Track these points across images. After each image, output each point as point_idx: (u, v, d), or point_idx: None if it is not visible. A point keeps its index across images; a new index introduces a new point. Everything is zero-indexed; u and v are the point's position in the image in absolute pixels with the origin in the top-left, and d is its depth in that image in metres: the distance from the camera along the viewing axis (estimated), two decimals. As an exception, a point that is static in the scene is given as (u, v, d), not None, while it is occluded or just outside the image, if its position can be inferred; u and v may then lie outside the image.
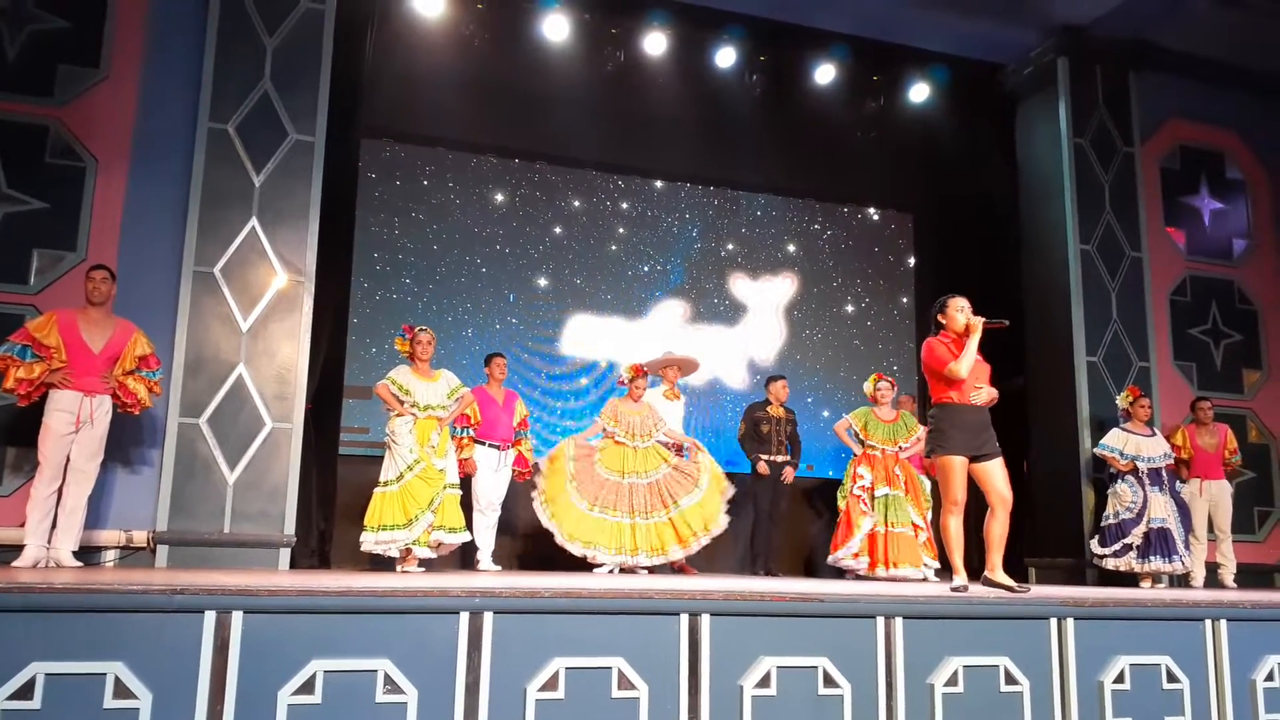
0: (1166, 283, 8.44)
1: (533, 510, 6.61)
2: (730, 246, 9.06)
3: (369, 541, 5.76)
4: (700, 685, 3.18)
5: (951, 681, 3.45)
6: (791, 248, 9.24)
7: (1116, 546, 7.08)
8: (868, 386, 7.33)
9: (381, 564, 6.21)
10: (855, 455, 7.09)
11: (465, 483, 6.37)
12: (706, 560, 7.62)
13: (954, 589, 4.39)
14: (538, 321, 8.37)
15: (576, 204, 8.65)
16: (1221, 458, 7.54)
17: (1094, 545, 7.28)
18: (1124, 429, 7.31)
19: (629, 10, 7.89)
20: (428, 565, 6.06)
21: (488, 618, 3.01)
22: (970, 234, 9.02)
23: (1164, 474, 7.15)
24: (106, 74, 6.21)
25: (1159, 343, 8.19)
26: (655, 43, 7.94)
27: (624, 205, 8.82)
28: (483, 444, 6.61)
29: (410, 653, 2.93)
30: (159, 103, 6.25)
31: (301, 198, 6.25)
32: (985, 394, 4.76)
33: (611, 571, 6.41)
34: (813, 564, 8.48)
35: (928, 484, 7.58)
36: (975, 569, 4.99)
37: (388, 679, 2.88)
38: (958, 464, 4.65)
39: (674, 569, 6.98)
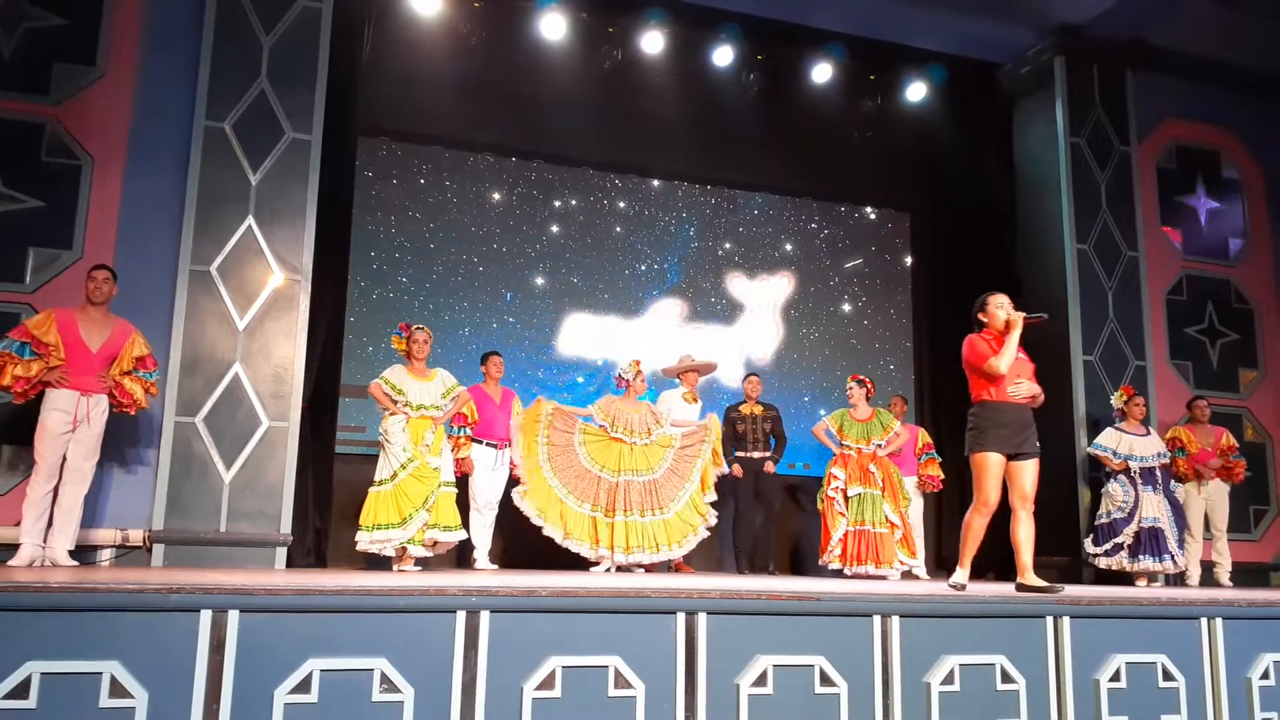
0: (1163, 282, 8.46)
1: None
2: (727, 245, 9.07)
3: (364, 541, 5.75)
4: (697, 684, 3.18)
5: (948, 680, 3.45)
6: (788, 247, 9.25)
7: (1108, 546, 7.11)
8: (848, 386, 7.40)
9: (378, 563, 6.21)
10: (834, 455, 7.13)
11: (462, 481, 6.36)
12: (705, 560, 7.63)
13: (952, 585, 4.39)
14: (535, 320, 8.37)
15: (573, 203, 8.65)
16: (1217, 455, 7.55)
17: (1088, 544, 7.30)
18: (1118, 428, 7.33)
19: (626, 9, 7.90)
20: (424, 564, 6.06)
21: (484, 617, 3.01)
22: (967, 233, 9.02)
23: (1157, 473, 7.17)
24: (103, 72, 6.21)
25: (1155, 342, 8.21)
26: (652, 41, 7.94)
27: (621, 204, 8.82)
28: (480, 443, 6.61)
29: (407, 652, 2.93)
30: (155, 101, 6.25)
31: (298, 196, 6.25)
32: (1025, 388, 4.66)
33: (608, 570, 6.41)
34: (800, 561, 8.49)
35: (909, 482, 7.59)
36: (976, 568, 4.98)
37: (384, 678, 2.88)
38: (993, 461, 4.57)
39: (671, 568, 6.99)
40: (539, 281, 8.43)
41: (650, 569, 6.54)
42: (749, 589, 3.44)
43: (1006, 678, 3.55)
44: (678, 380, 7.56)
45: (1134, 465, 7.15)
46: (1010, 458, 4.61)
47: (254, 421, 5.95)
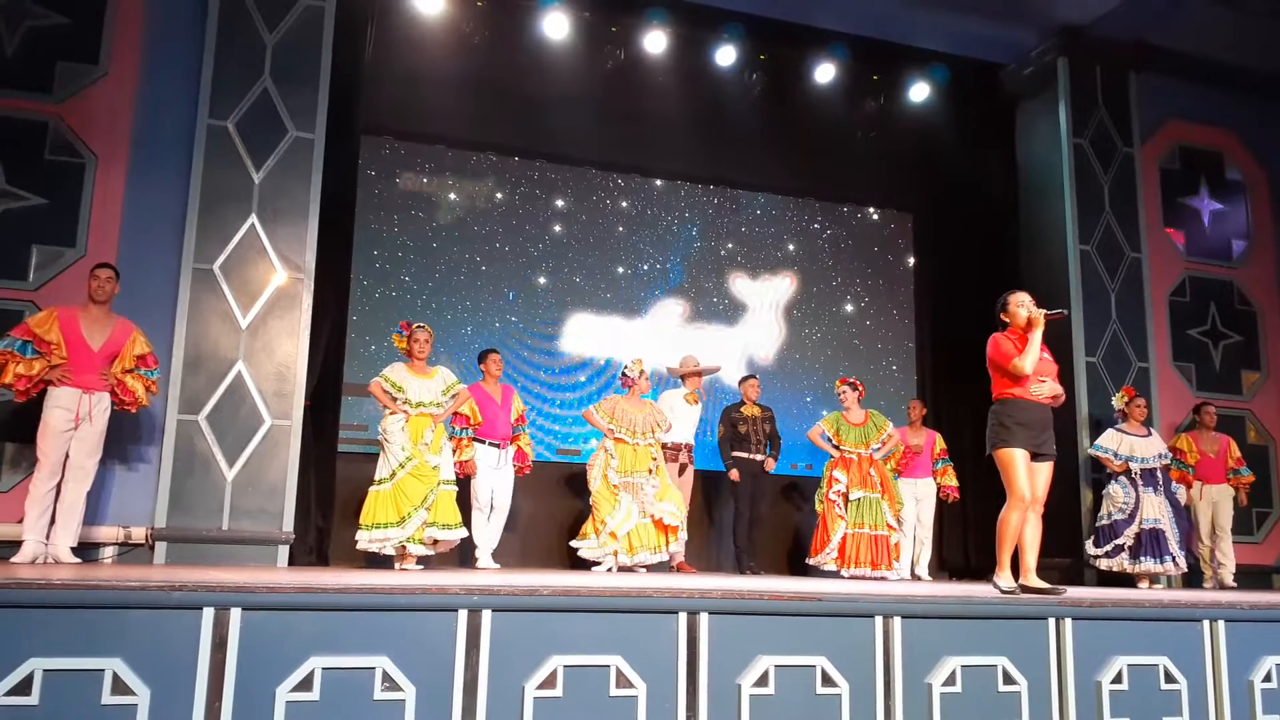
0: (1166, 283, 8.45)
1: (531, 507, 6.61)
2: (730, 245, 9.06)
3: (363, 540, 5.76)
4: (698, 684, 3.18)
5: (949, 681, 3.45)
6: (791, 247, 9.24)
7: (1109, 547, 7.11)
8: (837, 389, 7.45)
9: (380, 562, 6.22)
10: (832, 458, 7.13)
11: (464, 480, 6.36)
12: (704, 560, 7.63)
13: (1003, 589, 4.37)
14: (537, 320, 8.37)
15: (576, 202, 8.65)
16: (1224, 464, 7.56)
17: (1089, 546, 7.30)
18: (1119, 430, 7.33)
19: (629, 8, 7.89)
20: (426, 563, 6.06)
21: (486, 615, 3.01)
22: (970, 234, 9.02)
23: (1158, 474, 7.16)
24: (106, 71, 6.21)
25: (1158, 343, 8.20)
26: (655, 41, 7.94)
27: (623, 204, 8.82)
28: (482, 443, 6.60)
29: (408, 650, 2.93)
30: (158, 99, 6.25)
31: (301, 195, 6.25)
32: (1048, 388, 4.69)
33: (610, 570, 6.41)
34: (797, 561, 8.49)
35: (927, 486, 7.62)
36: (978, 569, 4.98)
37: (386, 676, 2.88)
38: (1019, 457, 4.59)
39: (673, 568, 6.99)
40: (541, 281, 8.42)
41: (651, 569, 6.54)
42: (751, 589, 3.44)
43: (1008, 679, 3.55)
44: (680, 381, 7.55)
45: (1135, 467, 7.14)
46: (1031, 458, 4.62)
47: (256, 420, 5.95)
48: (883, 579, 6.67)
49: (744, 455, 7.46)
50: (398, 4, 7.48)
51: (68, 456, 5.20)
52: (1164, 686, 3.77)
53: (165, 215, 6.09)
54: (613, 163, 8.74)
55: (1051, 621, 3.68)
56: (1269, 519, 8.35)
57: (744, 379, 7.84)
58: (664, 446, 6.92)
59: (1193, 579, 7.49)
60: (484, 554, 6.58)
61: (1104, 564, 7.15)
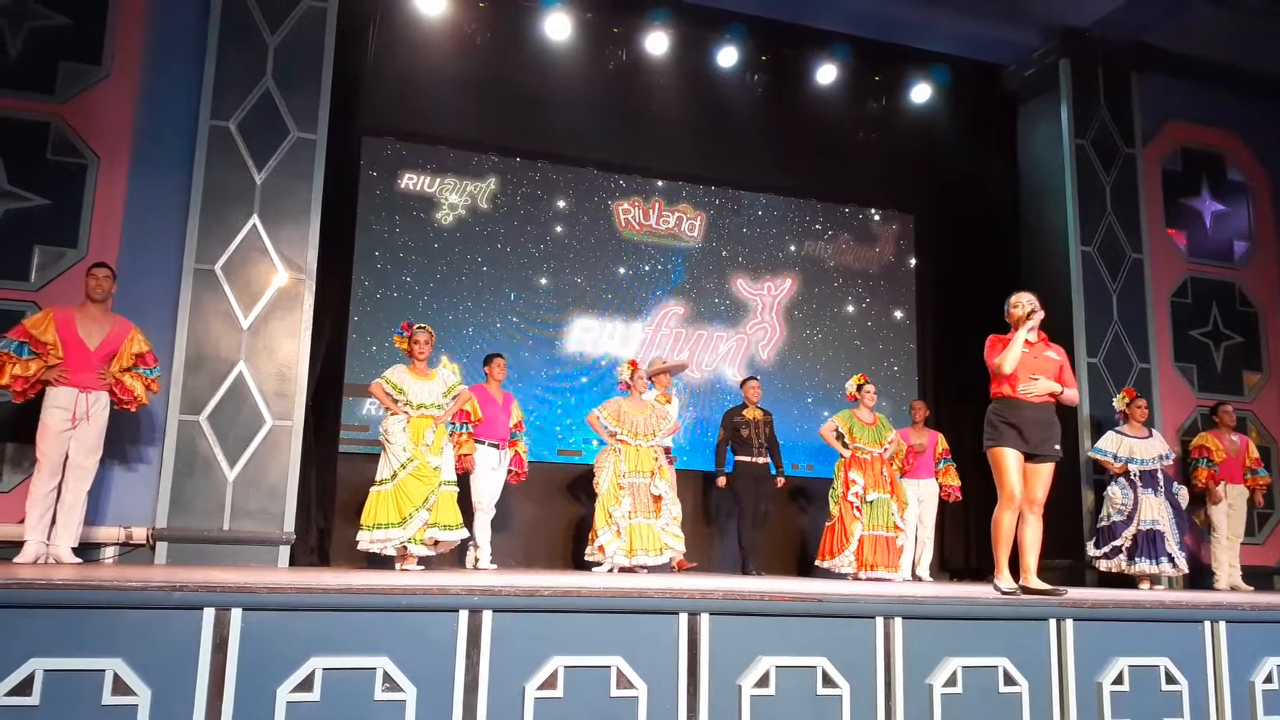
0: (1167, 284, 8.44)
1: (532, 508, 6.59)
2: (731, 246, 9.06)
3: (364, 540, 5.76)
4: (699, 685, 3.18)
5: (950, 682, 3.45)
6: (792, 248, 9.24)
7: (1107, 548, 7.12)
8: (851, 385, 7.31)
9: (380, 562, 6.22)
10: (842, 458, 7.08)
11: (463, 480, 6.36)
12: (704, 560, 7.62)
13: (1004, 591, 4.36)
14: (538, 320, 8.37)
15: (577, 203, 8.65)
16: (1243, 464, 7.55)
17: (1090, 547, 7.30)
18: (1118, 431, 7.33)
19: (631, 9, 7.90)
20: (427, 563, 6.06)
21: (487, 616, 3.01)
22: (971, 235, 9.02)
23: (1158, 476, 7.16)
24: (108, 71, 6.21)
25: (1160, 344, 8.19)
26: (657, 42, 7.94)
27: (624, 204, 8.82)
28: (482, 443, 6.60)
29: (409, 651, 2.93)
30: (160, 100, 6.26)
31: (303, 195, 6.25)
32: (1041, 385, 4.63)
33: (610, 570, 6.41)
34: (802, 563, 8.48)
35: (930, 487, 7.60)
36: (978, 570, 4.98)
37: (386, 677, 2.88)
38: (1008, 456, 4.58)
39: (673, 567, 6.98)
40: (543, 281, 8.42)
41: (651, 570, 6.53)
42: (751, 590, 3.44)
43: (1009, 680, 3.55)
44: (651, 383, 7.48)
45: (1134, 468, 7.15)
46: (1026, 458, 4.61)
47: (258, 420, 5.95)
48: (887, 580, 6.67)
49: (746, 459, 7.44)
50: (399, 5, 7.49)
51: (67, 456, 5.20)
52: (1165, 687, 3.76)
53: (167, 215, 6.09)
54: (614, 163, 8.74)
55: (1052, 622, 3.68)
56: (1271, 520, 8.34)
57: (745, 380, 7.83)
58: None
59: (1201, 580, 7.47)
60: (484, 555, 6.58)
61: (1103, 565, 7.16)
